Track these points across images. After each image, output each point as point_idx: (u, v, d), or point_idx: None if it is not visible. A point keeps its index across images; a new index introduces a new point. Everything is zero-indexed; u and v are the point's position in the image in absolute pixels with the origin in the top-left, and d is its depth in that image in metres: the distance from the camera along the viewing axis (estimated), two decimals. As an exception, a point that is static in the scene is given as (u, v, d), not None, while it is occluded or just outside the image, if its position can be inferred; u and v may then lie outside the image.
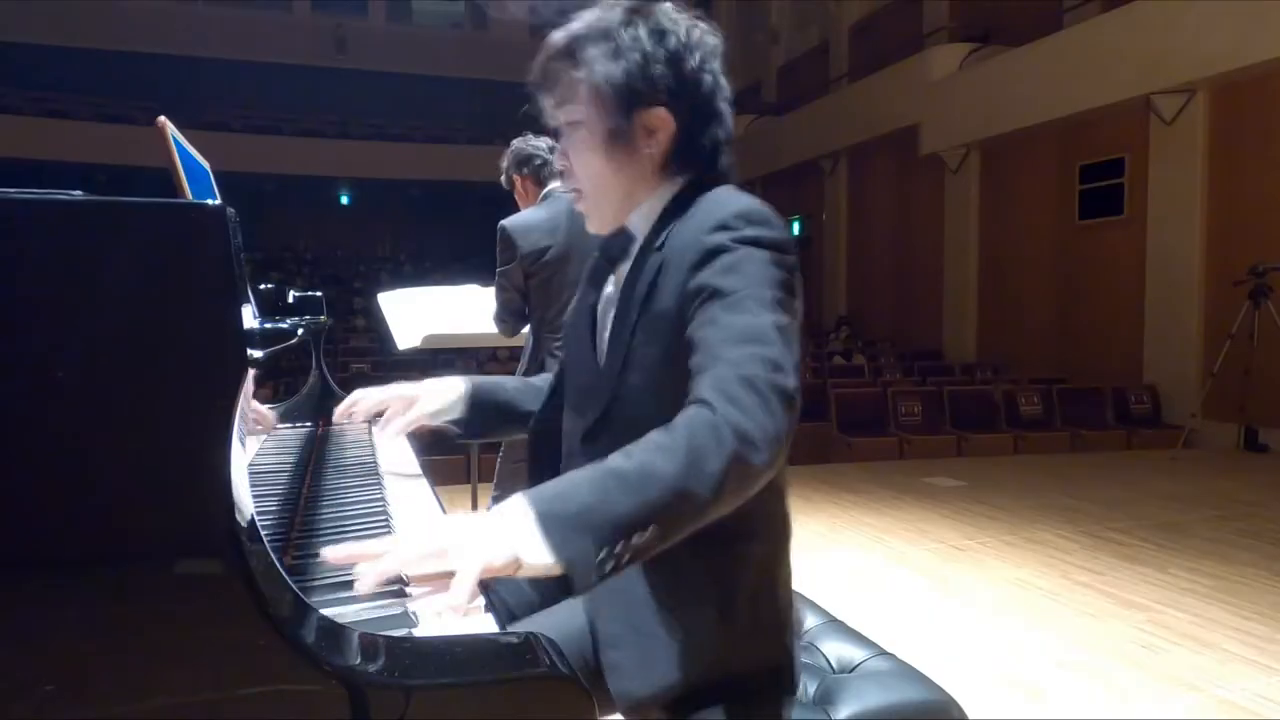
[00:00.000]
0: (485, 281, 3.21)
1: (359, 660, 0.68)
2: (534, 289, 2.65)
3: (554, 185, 2.70)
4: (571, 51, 1.02)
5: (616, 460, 0.78)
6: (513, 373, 2.90)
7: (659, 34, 1.01)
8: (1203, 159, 7.49)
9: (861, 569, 3.51)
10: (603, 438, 1.01)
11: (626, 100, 1.00)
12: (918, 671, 1.15)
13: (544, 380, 1.32)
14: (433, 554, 0.74)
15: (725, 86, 1.07)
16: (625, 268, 1.07)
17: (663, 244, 1.00)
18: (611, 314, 1.07)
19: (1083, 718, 2.21)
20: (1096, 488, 5.06)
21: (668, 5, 1.04)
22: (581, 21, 1.03)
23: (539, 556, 0.72)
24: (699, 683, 1.01)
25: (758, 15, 16.41)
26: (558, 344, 2.59)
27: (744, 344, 0.84)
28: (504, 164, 2.83)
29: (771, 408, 0.81)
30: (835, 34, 14.01)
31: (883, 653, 1.19)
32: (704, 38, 1.04)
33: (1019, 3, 10.26)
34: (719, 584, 1.02)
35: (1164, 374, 7.76)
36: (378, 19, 20.11)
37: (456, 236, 20.32)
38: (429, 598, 0.79)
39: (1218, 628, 2.81)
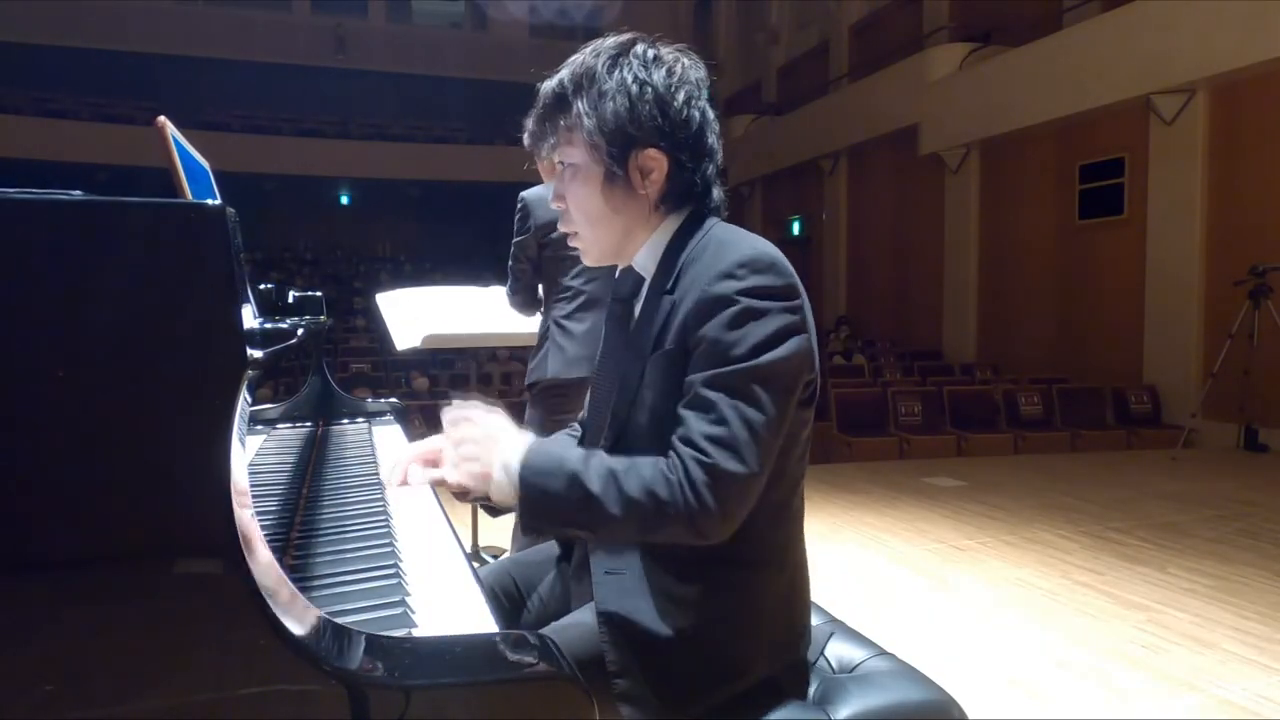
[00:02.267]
0: (485, 282, 3.21)
1: (359, 660, 0.68)
2: (547, 260, 2.67)
3: None
4: (562, 100, 1.07)
5: (593, 479, 0.95)
6: (514, 371, 2.90)
7: (644, 76, 1.05)
8: (1203, 159, 7.49)
9: (861, 569, 3.51)
10: None
11: (620, 144, 1.04)
12: (918, 671, 1.15)
13: (570, 433, 1.36)
14: (467, 472, 1.00)
15: (713, 120, 1.11)
16: (639, 306, 1.12)
17: (673, 286, 1.05)
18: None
19: (1082, 718, 2.21)
20: (1096, 488, 5.06)
21: (646, 47, 1.07)
22: (569, 70, 1.08)
23: (505, 505, 0.98)
24: (704, 706, 1.03)
25: (757, 15, 16.39)
26: (566, 314, 2.64)
27: (718, 426, 0.94)
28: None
29: (718, 493, 0.92)
30: (835, 34, 14.00)
31: (883, 653, 1.19)
32: (686, 72, 1.08)
33: (1019, 3, 10.25)
34: (728, 612, 1.05)
35: (1164, 374, 7.75)
36: (378, 19, 20.10)
37: (456, 236, 20.33)
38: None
39: (1218, 628, 2.81)
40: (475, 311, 3.03)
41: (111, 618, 0.63)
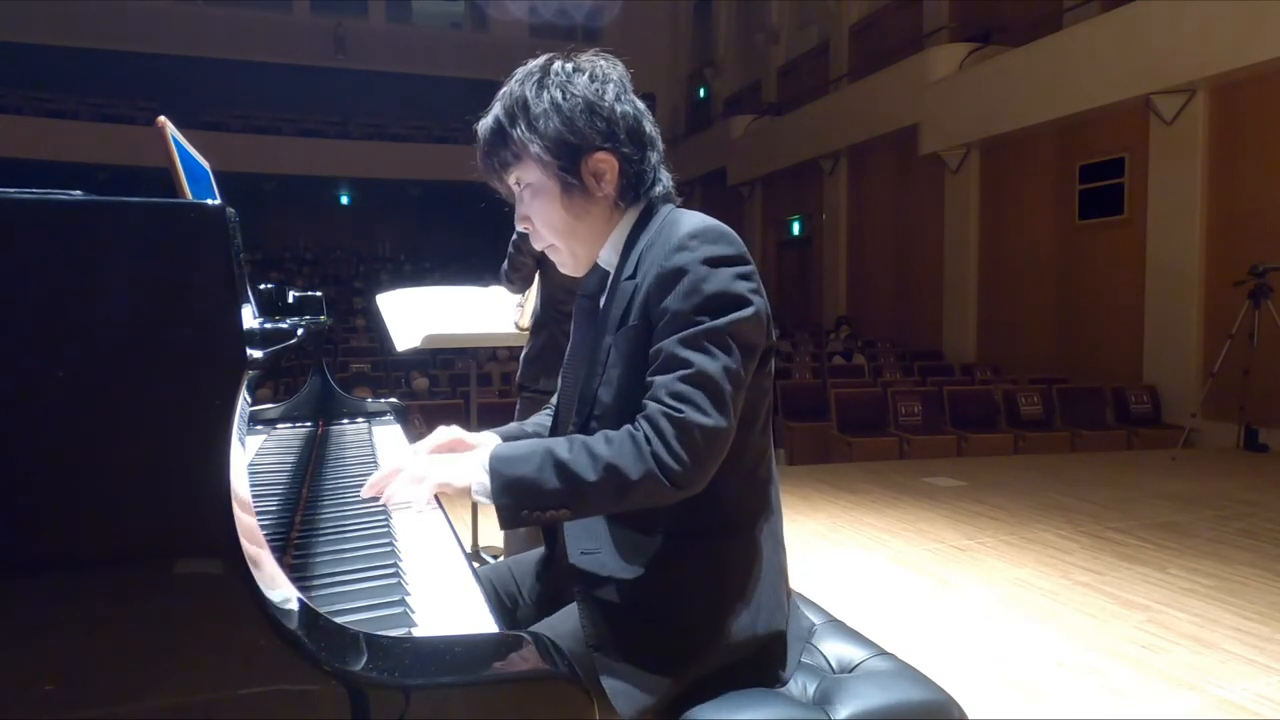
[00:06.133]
0: (485, 282, 3.20)
1: (359, 660, 0.68)
2: (552, 266, 2.62)
3: None
4: (501, 133, 1.12)
5: (562, 449, 1.01)
6: (514, 371, 2.90)
7: (569, 88, 1.10)
8: (1203, 159, 7.49)
9: (862, 569, 3.51)
10: None
11: (568, 155, 1.10)
12: (918, 671, 1.15)
13: (546, 412, 1.40)
14: (415, 480, 1.11)
15: (645, 109, 1.16)
16: (604, 298, 1.18)
17: (635, 271, 1.10)
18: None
19: (1082, 718, 2.21)
20: (1096, 488, 5.06)
21: (563, 63, 1.13)
22: (499, 104, 1.13)
23: (481, 495, 1.03)
24: (690, 680, 1.05)
25: (757, 15, 16.39)
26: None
27: (684, 382, 0.99)
28: None
29: (688, 444, 0.97)
30: (835, 34, 13.99)
31: (883, 653, 1.19)
32: (607, 72, 1.14)
33: (1019, 3, 10.26)
34: (701, 581, 1.08)
35: (1164, 374, 7.75)
36: (378, 19, 20.09)
37: (456, 236, 20.30)
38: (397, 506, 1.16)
39: (1218, 628, 2.81)
40: (475, 311, 3.03)
41: (111, 618, 0.63)
